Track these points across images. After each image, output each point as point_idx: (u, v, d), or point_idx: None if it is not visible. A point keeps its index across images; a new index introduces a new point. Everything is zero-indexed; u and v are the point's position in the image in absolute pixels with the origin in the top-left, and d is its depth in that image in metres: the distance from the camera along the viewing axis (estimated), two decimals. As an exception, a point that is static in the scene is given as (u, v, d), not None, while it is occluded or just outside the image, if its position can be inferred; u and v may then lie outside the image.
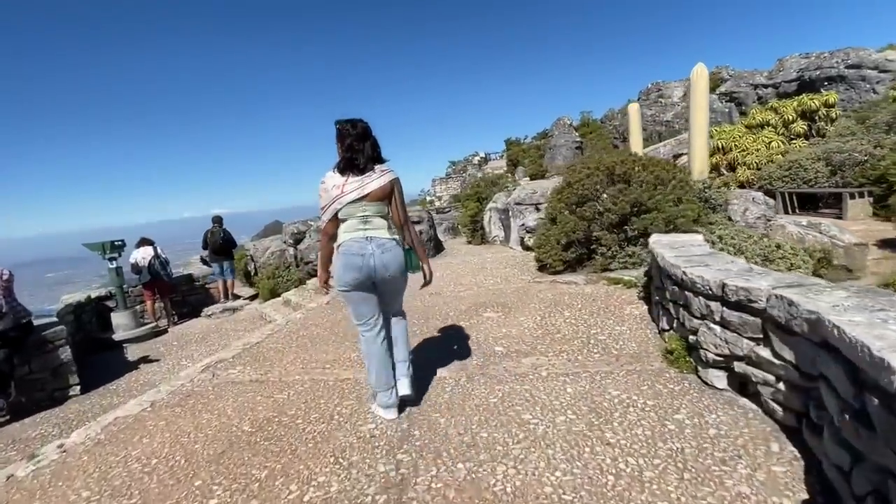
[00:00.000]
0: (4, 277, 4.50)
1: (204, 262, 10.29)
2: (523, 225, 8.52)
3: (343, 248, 2.50)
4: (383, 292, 2.66)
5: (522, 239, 8.47)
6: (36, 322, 5.13)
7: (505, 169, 26.64)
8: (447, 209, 20.30)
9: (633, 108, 9.95)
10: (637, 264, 5.47)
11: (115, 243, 7.15)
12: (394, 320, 2.83)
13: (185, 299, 8.80)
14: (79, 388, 5.04)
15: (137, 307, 8.11)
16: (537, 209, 8.93)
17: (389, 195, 2.59)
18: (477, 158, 29.96)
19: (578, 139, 23.81)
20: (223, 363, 4.01)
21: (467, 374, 3.24)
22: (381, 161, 2.60)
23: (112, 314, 7.20)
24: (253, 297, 9.73)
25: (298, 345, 4.32)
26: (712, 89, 19.94)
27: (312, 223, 9.04)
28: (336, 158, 2.57)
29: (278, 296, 8.24)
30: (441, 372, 3.31)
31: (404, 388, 2.73)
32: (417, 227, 9.41)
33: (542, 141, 29.97)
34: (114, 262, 7.19)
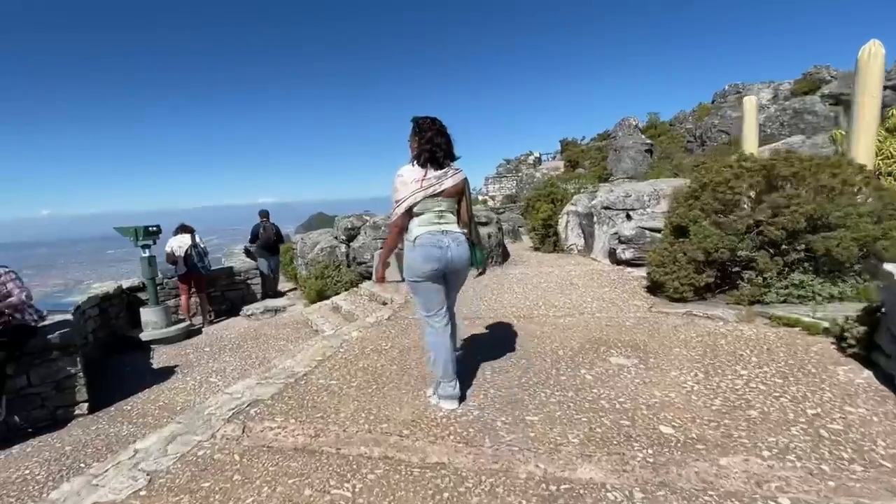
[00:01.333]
0: None
1: (248, 254, 9.65)
2: (616, 234, 7.11)
3: (420, 241, 2.52)
4: (450, 285, 2.72)
5: (614, 251, 7.07)
6: (49, 319, 4.23)
7: (562, 170, 25.01)
8: (501, 210, 18.98)
9: (750, 103, 8.32)
10: (807, 298, 4.04)
11: (150, 229, 6.28)
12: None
13: (224, 295, 7.92)
14: (87, 406, 4.10)
15: (171, 301, 7.26)
16: (629, 217, 7.51)
17: (461, 193, 2.65)
18: (531, 158, 28.40)
19: (648, 141, 21.91)
20: (259, 407, 2.89)
21: (639, 482, 1.97)
22: (454, 158, 2.62)
23: (142, 310, 6.35)
24: (292, 290, 9.27)
25: (360, 385, 3.16)
26: (811, 91, 17.69)
27: (368, 218, 7.96)
28: (407, 154, 2.61)
29: (326, 298, 7.20)
30: (587, 471, 2.05)
31: (453, 404, 2.71)
32: (486, 230, 8.16)
33: (604, 142, 28.11)
34: (147, 250, 6.33)
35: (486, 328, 4.23)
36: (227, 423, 2.72)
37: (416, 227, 2.54)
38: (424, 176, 2.48)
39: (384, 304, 6.02)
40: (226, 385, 4.61)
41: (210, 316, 7.56)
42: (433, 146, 2.49)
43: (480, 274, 3.04)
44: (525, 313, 4.67)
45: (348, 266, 7.72)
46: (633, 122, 27.22)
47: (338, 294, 7.10)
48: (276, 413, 2.80)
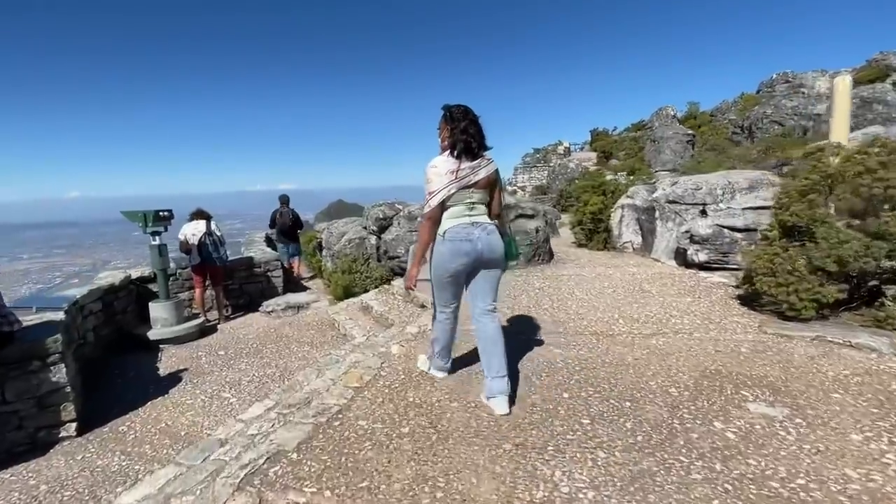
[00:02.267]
0: None
1: (269, 241, 9.24)
2: (687, 232, 6.16)
3: (450, 235, 2.44)
4: (484, 279, 2.56)
5: (684, 251, 6.13)
6: (35, 319, 3.55)
7: (594, 161, 23.84)
8: (531, 202, 18.02)
9: (843, 84, 7.19)
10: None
11: (161, 213, 5.59)
12: (487, 319, 2.57)
13: (242, 288, 7.24)
14: (75, 427, 3.41)
15: (185, 294, 6.60)
16: (704, 213, 6.54)
17: (494, 183, 2.57)
18: (561, 147, 27.18)
19: (690, 132, 20.58)
20: (281, 465, 2.12)
21: None
22: (487, 148, 2.52)
23: (151, 304, 5.68)
24: (312, 278, 9.14)
25: (414, 432, 2.36)
26: (880, 78, 16.21)
27: (401, 207, 7.15)
28: (437, 144, 2.54)
29: (353, 296, 6.44)
30: None
31: (502, 405, 2.45)
32: (532, 223, 7.28)
33: (638, 132, 26.77)
34: (157, 237, 5.64)
35: (560, 349, 3.39)
36: (236, 491, 1.94)
37: (447, 220, 2.46)
38: (459, 167, 2.41)
39: (422, 306, 5.23)
40: (240, 403, 3.89)
41: (227, 311, 6.89)
42: (468, 136, 2.41)
43: (507, 269, 2.78)
44: (602, 329, 3.81)
45: (378, 260, 6.95)
46: (671, 112, 25.81)
47: (367, 291, 6.34)
48: (304, 477, 2.02)
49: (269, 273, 7.49)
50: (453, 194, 2.41)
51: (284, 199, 8.65)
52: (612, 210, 8.30)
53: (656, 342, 3.47)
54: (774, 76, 23.43)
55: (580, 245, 9.02)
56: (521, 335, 3.68)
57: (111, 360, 5.06)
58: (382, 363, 3.28)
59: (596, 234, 8.59)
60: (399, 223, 6.86)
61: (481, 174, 2.45)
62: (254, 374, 4.52)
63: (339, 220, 9.09)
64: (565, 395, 2.66)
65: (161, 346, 5.52)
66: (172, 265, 6.56)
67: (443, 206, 2.44)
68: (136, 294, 6.15)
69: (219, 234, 6.37)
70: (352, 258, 6.90)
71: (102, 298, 5.27)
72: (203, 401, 4.00)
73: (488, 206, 2.57)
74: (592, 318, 4.15)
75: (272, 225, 8.66)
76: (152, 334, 5.49)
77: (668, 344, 3.41)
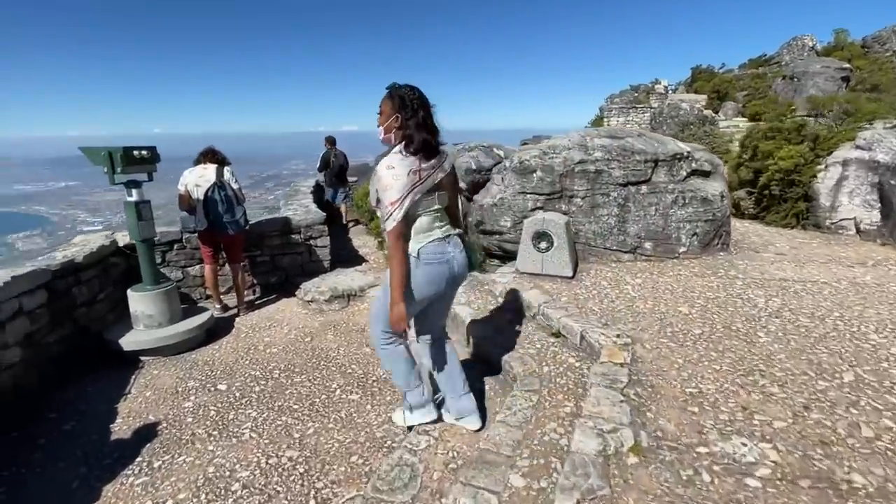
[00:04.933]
0: None
1: (319, 188, 8.51)
2: None
3: (425, 256, 2.04)
4: (446, 300, 2.30)
5: None
6: None
7: (703, 103, 19.71)
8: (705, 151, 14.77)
9: None
10: None
11: (134, 153, 3.48)
12: (445, 345, 2.37)
13: (275, 261, 5.21)
14: None
15: (196, 268, 4.67)
16: None
17: (455, 180, 2.26)
18: (660, 87, 22.90)
19: (845, 66, 16.07)
20: None
21: None
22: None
23: (129, 293, 3.74)
24: (357, 223, 8.52)
25: None
26: None
27: (504, 153, 4.69)
28: (379, 135, 2.07)
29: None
30: None
31: (475, 422, 2.36)
32: (712, 186, 4.57)
33: (760, 69, 21.98)
34: (133, 190, 3.60)
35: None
36: None
37: (416, 235, 2.05)
38: (420, 166, 1.97)
39: (556, 334, 2.96)
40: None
41: (252, 293, 4.93)
42: (428, 130, 1.99)
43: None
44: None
45: (465, 233, 4.65)
46: (809, 43, 20.78)
47: None
48: None
49: (311, 241, 5.39)
50: (418, 200, 1.98)
51: (331, 141, 8.18)
52: (822, 167, 5.40)
53: None
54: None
55: (752, 217, 6.22)
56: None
57: (50, 392, 3.19)
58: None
59: (782, 202, 5.76)
60: (504, 179, 4.42)
61: (445, 170, 2.08)
62: (257, 461, 2.45)
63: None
64: None
65: (141, 358, 3.62)
66: (177, 228, 4.60)
67: (407, 218, 1.95)
68: (123, 269, 4.26)
69: (235, 186, 4.25)
70: (427, 229, 4.65)
71: (50, 283, 3.35)
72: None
73: (446, 209, 2.18)
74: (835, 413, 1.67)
75: (323, 168, 8.14)
76: (127, 342, 3.56)
77: None
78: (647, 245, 4.41)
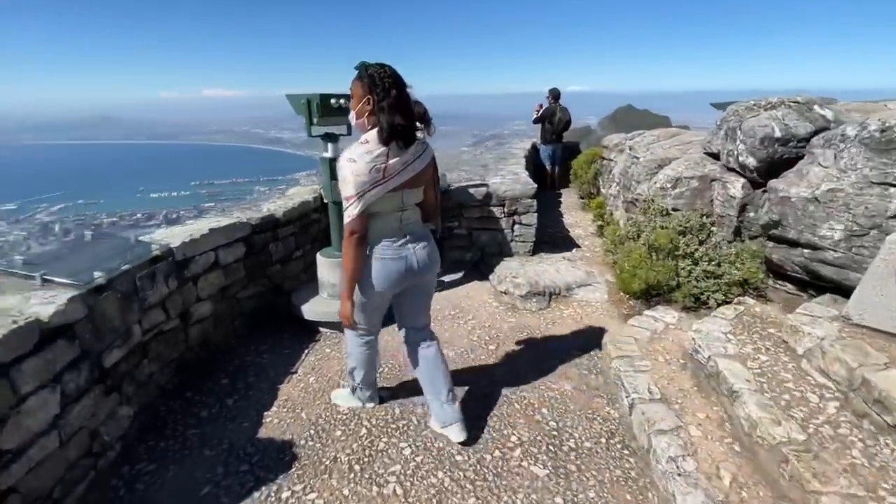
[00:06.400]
0: None
1: (535, 151, 7.98)
2: None
3: (378, 253, 1.93)
4: (416, 295, 2.13)
5: None
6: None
7: None
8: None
9: None
10: None
11: (333, 102, 3.05)
12: (425, 345, 2.20)
13: (472, 237, 4.51)
14: None
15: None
16: None
17: (433, 176, 2.02)
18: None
19: None
20: None
21: None
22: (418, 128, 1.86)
23: (318, 258, 3.46)
24: (565, 186, 7.83)
25: None
26: None
27: (826, 111, 2.88)
28: (351, 120, 1.88)
29: (657, 296, 2.92)
30: None
31: (458, 433, 2.18)
32: None
33: None
34: (329, 145, 3.22)
35: None
36: None
37: (373, 234, 1.91)
38: (388, 161, 1.76)
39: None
40: None
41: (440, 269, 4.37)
42: (404, 115, 1.74)
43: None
44: None
45: (738, 236, 3.09)
46: None
47: (701, 301, 2.70)
48: None
49: (516, 217, 4.50)
50: (381, 199, 1.80)
51: (556, 94, 7.37)
52: None
53: None
54: None
55: None
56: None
57: (236, 349, 3.10)
58: None
59: None
60: (839, 157, 2.62)
61: (417, 167, 1.85)
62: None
63: (654, 135, 5.18)
64: None
65: (321, 329, 3.35)
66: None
67: (366, 214, 1.82)
68: (324, 228, 4.11)
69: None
70: (678, 221, 3.23)
71: (247, 240, 3.25)
72: None
73: (420, 203, 1.99)
74: None
75: (540, 120, 7.42)
76: (308, 310, 3.31)
77: None
78: None
